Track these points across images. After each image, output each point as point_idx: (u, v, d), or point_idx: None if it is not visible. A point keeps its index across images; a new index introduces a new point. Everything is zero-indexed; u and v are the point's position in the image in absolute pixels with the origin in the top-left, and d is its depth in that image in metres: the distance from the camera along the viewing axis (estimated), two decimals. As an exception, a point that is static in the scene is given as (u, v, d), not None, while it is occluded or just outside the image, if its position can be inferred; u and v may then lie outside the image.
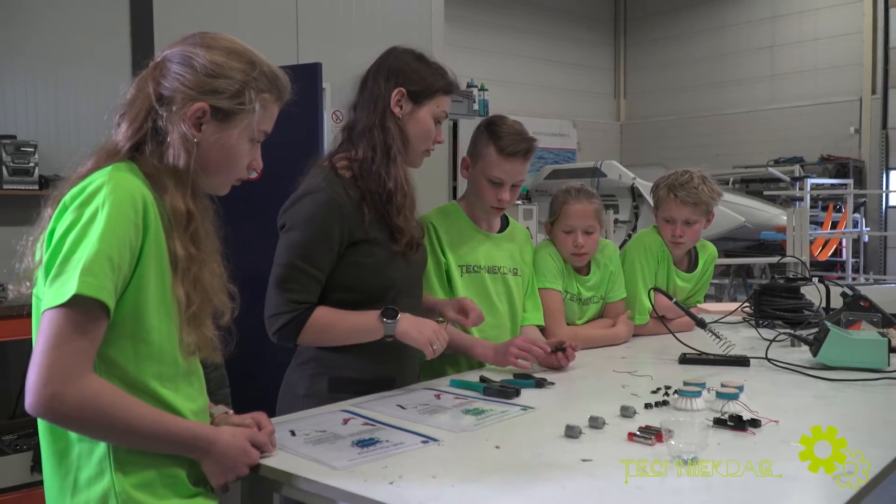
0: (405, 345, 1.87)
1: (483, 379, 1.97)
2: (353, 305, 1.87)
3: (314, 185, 1.86)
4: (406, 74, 1.92)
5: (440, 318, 2.03)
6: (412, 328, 1.84)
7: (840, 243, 9.27)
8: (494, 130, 2.22)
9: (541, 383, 1.97)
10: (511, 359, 2.07)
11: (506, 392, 1.87)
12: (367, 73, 1.96)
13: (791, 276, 3.21)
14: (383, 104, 1.90)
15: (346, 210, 1.84)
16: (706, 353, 2.31)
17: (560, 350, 2.16)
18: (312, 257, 1.82)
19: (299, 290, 1.82)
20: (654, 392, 1.89)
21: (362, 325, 1.85)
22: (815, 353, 2.20)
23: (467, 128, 6.51)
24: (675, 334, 2.53)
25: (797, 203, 8.61)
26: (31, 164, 3.89)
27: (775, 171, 9.33)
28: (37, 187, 3.87)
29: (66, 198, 1.23)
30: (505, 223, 2.41)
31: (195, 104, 1.31)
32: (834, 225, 9.21)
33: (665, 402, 1.79)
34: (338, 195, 1.84)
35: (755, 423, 1.60)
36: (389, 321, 1.83)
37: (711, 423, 1.61)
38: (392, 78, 1.91)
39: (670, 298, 2.55)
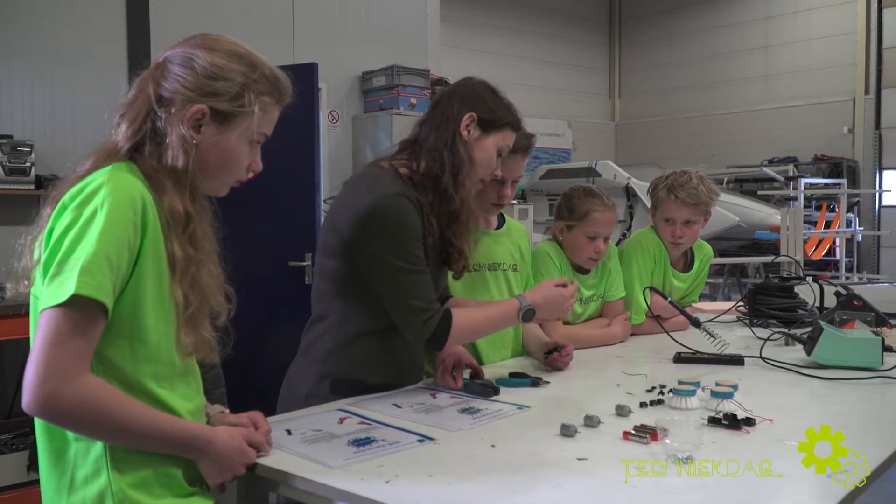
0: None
1: (473, 375, 1.98)
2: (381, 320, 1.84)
3: (390, 188, 1.81)
4: (479, 101, 1.91)
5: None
6: (542, 313, 1.96)
7: (834, 243, 9.31)
8: None
9: (536, 382, 1.98)
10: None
11: (485, 391, 1.88)
12: (441, 95, 1.97)
13: (785, 276, 3.20)
14: (454, 126, 1.88)
15: (421, 211, 1.83)
16: (701, 352, 2.32)
17: (555, 351, 2.17)
18: (418, 260, 1.80)
19: (427, 292, 1.80)
20: (648, 391, 1.89)
21: (500, 318, 1.95)
22: (809, 352, 2.21)
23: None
24: (670, 333, 2.54)
25: (791, 203, 8.64)
26: (28, 164, 3.89)
27: (769, 171, 9.35)
28: (33, 187, 3.88)
29: (66, 197, 1.23)
30: (501, 220, 2.42)
31: (194, 106, 1.31)
32: (828, 224, 9.25)
33: (660, 401, 1.79)
34: (414, 196, 1.82)
35: (750, 421, 1.61)
36: (527, 322, 1.99)
37: (706, 422, 1.61)
38: (466, 102, 1.90)
39: (665, 297, 2.55)
